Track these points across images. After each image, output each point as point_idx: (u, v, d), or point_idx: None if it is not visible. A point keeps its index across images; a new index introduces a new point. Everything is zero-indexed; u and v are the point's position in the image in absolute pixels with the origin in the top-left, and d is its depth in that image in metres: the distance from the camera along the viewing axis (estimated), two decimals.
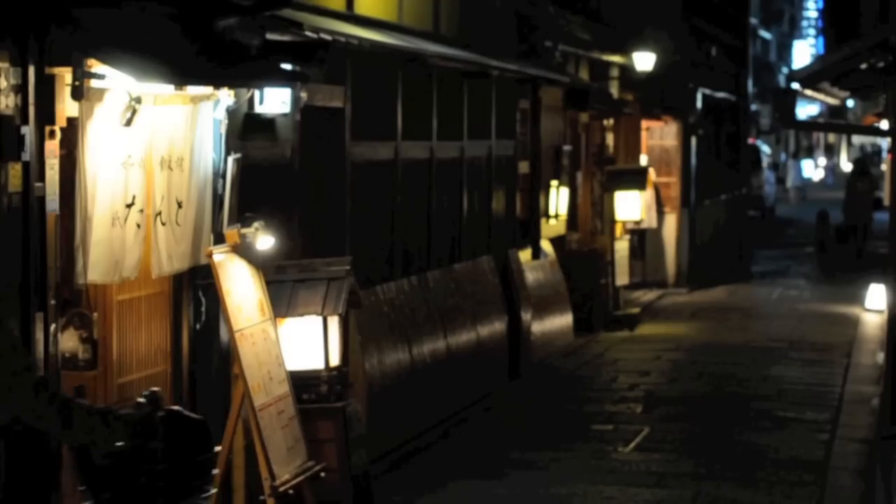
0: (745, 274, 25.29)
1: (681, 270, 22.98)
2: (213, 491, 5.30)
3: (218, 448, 5.43)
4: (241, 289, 7.79)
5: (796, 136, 64.20)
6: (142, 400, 5.33)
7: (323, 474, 7.91)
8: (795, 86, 17.25)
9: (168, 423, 5.24)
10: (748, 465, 10.71)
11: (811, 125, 42.96)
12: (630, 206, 19.47)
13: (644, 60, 20.00)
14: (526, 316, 14.67)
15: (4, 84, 6.39)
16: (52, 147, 6.69)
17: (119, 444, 5.00)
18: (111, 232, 6.95)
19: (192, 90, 7.76)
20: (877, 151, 52.12)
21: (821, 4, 67.35)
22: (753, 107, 44.44)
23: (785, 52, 72.02)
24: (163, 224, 7.50)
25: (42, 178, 6.61)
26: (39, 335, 6.61)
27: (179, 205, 7.66)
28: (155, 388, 5.59)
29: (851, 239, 28.29)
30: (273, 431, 7.61)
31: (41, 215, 6.64)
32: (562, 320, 16.30)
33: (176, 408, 5.29)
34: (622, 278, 19.46)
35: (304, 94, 9.46)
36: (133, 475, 5.22)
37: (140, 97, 6.99)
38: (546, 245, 16.37)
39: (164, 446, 5.23)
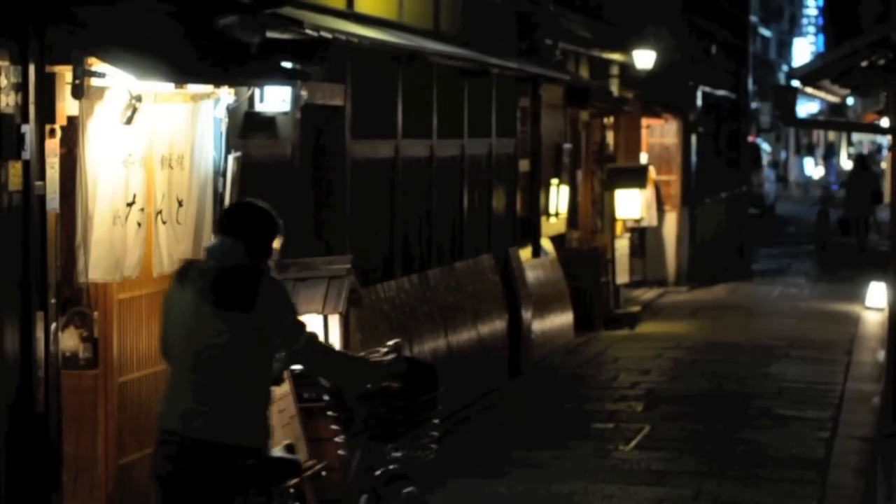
0: (745, 272, 25.29)
1: (681, 269, 22.97)
2: (437, 421, 6.43)
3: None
4: None
5: (796, 134, 64.15)
6: (385, 349, 6.33)
7: (324, 473, 7.90)
8: (796, 83, 17.22)
9: (407, 367, 6.33)
10: (749, 463, 10.70)
11: (811, 123, 42.93)
12: (630, 204, 19.46)
13: (644, 58, 19.99)
14: (526, 314, 14.67)
15: (5, 82, 6.38)
16: (53, 146, 6.68)
17: (368, 385, 6.15)
18: (112, 230, 6.94)
19: (193, 88, 7.75)
20: (877, 150, 52.10)
21: (821, 2, 67.33)
22: (753, 105, 44.36)
23: (785, 49, 71.98)
24: (163, 223, 7.49)
25: (42, 176, 6.60)
26: (40, 334, 6.60)
27: (180, 203, 7.65)
28: (397, 339, 6.69)
29: (853, 233, 28.44)
30: (274, 430, 7.60)
31: (41, 214, 6.63)
32: (562, 318, 16.30)
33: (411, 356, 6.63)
34: (622, 276, 19.46)
35: (304, 93, 9.45)
36: (377, 410, 6.24)
37: (140, 95, 6.98)
38: (546, 243, 16.36)
39: (403, 386, 6.24)
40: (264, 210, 5.86)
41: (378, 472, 6.30)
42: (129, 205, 7.09)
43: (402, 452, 6.37)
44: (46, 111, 6.61)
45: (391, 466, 6.35)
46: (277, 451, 6.01)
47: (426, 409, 6.36)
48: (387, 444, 6.32)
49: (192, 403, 5.61)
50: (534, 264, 15.52)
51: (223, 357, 5.62)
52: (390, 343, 6.45)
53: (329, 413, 6.49)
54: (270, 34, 8.51)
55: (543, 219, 16.46)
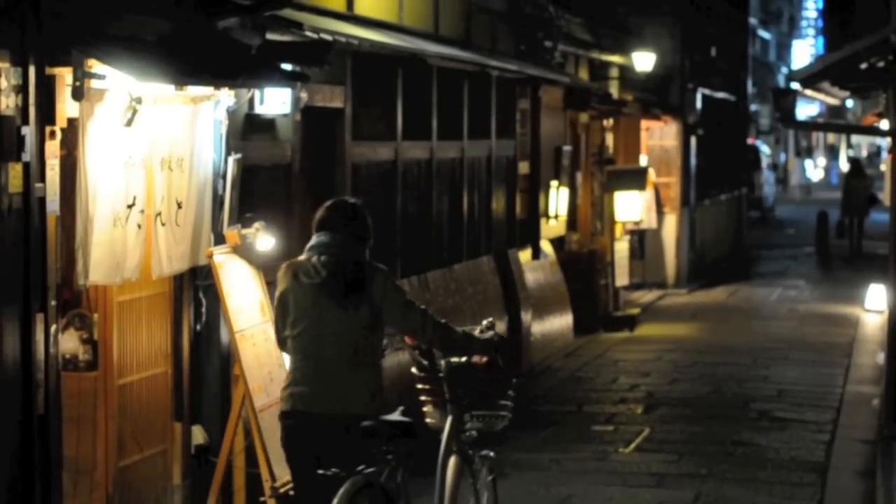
0: (744, 274, 25.29)
1: (681, 271, 22.98)
2: (512, 393, 7.03)
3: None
4: (242, 290, 7.78)
5: (796, 137, 64.15)
6: (481, 327, 6.95)
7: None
8: (795, 85, 17.23)
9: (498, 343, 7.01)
10: (749, 465, 10.70)
11: (811, 125, 42.96)
12: (630, 206, 19.46)
13: (644, 61, 20.00)
14: (526, 316, 14.66)
15: (5, 84, 6.37)
16: (53, 147, 6.68)
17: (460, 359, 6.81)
18: (112, 233, 6.94)
19: (193, 90, 7.75)
20: (876, 152, 52.14)
21: (820, 4, 67.33)
22: (753, 107, 44.39)
23: (784, 52, 71.97)
24: (162, 225, 7.48)
25: (42, 178, 6.60)
26: (40, 336, 6.60)
27: (179, 205, 7.64)
28: (490, 318, 7.22)
29: (848, 234, 28.57)
30: (274, 432, 7.58)
31: (42, 216, 6.62)
32: (562, 321, 16.29)
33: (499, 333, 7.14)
34: (622, 279, 19.46)
35: (304, 95, 9.45)
36: (465, 381, 6.83)
37: (140, 97, 6.97)
38: (546, 245, 16.36)
39: (489, 360, 6.86)
40: (361, 206, 6.54)
41: (464, 437, 6.89)
42: (130, 207, 7.09)
43: (481, 419, 6.96)
44: (47, 113, 6.61)
45: (472, 432, 6.94)
46: (395, 416, 6.48)
47: (504, 382, 6.99)
48: (471, 412, 6.91)
49: (322, 384, 6.30)
50: (533, 266, 15.52)
51: (345, 339, 6.32)
52: (485, 322, 7.05)
53: (421, 386, 6.94)
54: (270, 36, 8.52)
55: (543, 221, 16.45)
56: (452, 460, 6.78)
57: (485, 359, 6.87)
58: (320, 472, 6.13)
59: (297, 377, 6.36)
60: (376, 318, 6.40)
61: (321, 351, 6.31)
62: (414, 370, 6.97)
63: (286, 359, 7.18)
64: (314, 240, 6.41)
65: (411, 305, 6.52)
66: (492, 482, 7.14)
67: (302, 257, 6.41)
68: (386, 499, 6.33)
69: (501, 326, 13.80)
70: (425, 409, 6.95)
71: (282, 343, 6.51)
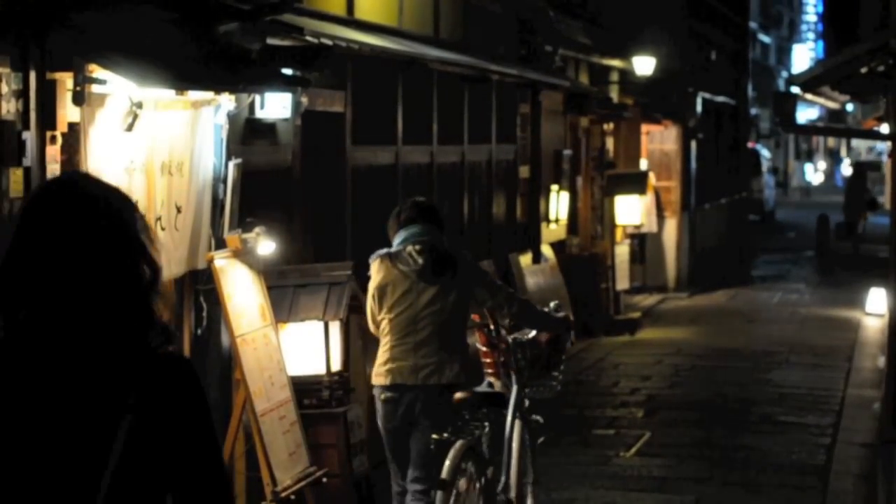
0: (745, 278, 25.30)
1: (681, 275, 22.98)
2: (563, 367, 7.97)
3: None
4: (243, 294, 7.78)
5: (796, 140, 64.20)
6: (550, 307, 7.91)
7: (325, 480, 7.91)
8: (795, 89, 17.24)
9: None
10: (750, 469, 10.70)
11: (811, 129, 43.00)
12: (630, 210, 19.47)
13: (644, 65, 20.00)
14: None
15: (5, 89, 6.38)
16: (54, 152, 6.68)
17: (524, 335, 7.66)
18: None
19: (193, 95, 7.75)
20: (877, 158, 52.23)
21: (820, 8, 67.35)
22: (753, 111, 44.39)
23: (784, 56, 72.03)
24: (162, 229, 7.49)
25: None
26: None
27: (178, 210, 7.64)
28: (558, 301, 8.30)
29: (850, 235, 28.73)
30: (275, 437, 7.61)
31: None
32: None
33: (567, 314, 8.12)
34: (622, 283, 19.46)
35: (304, 99, 9.45)
36: (528, 355, 7.67)
37: (141, 102, 6.97)
38: (546, 249, 16.36)
39: (550, 337, 7.77)
40: (433, 202, 7.83)
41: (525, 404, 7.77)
42: None
43: (536, 388, 7.82)
44: (47, 118, 6.61)
45: (527, 400, 7.79)
46: (483, 387, 7.45)
47: (558, 357, 7.89)
48: (532, 381, 7.76)
49: (417, 358, 7.19)
50: (534, 270, 15.52)
51: (439, 317, 7.23)
52: (552, 304, 8.08)
53: (487, 360, 7.68)
54: (271, 41, 8.52)
55: (543, 225, 16.46)
56: (517, 424, 7.63)
57: (546, 336, 7.73)
58: (434, 436, 6.97)
59: (395, 354, 7.19)
60: (464, 299, 7.30)
61: (418, 329, 7.19)
62: (479, 345, 7.68)
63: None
64: (405, 233, 7.34)
65: (497, 285, 7.52)
66: (538, 444, 8.02)
67: (394, 249, 7.34)
68: (481, 461, 7.16)
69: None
70: (489, 379, 7.66)
71: (376, 326, 7.35)
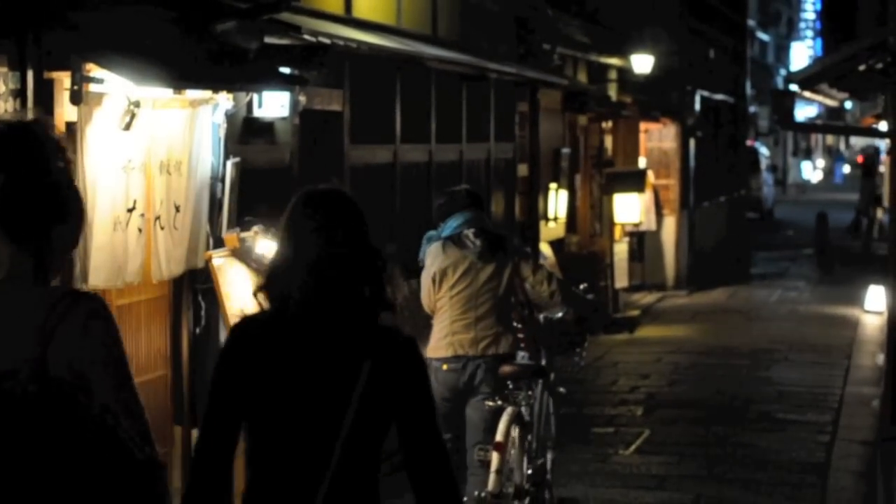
0: (744, 276, 25.29)
1: (680, 273, 22.98)
2: (587, 344, 9.01)
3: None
4: (241, 293, 7.77)
5: (795, 138, 64.20)
6: (581, 289, 8.89)
7: None
8: (794, 87, 17.23)
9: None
10: (749, 467, 10.70)
11: (809, 127, 43.00)
12: (629, 208, 19.47)
13: (642, 63, 20.00)
14: None
15: (3, 88, 6.37)
16: None
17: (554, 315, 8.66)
18: (113, 237, 6.94)
19: (191, 94, 7.75)
20: (871, 154, 52.25)
21: (819, 6, 67.37)
22: (752, 109, 44.39)
23: (783, 53, 72.01)
24: (161, 228, 7.48)
25: None
26: None
27: (177, 209, 7.64)
28: (585, 283, 9.35)
29: (860, 230, 28.81)
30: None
31: None
32: None
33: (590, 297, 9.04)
34: (621, 281, 19.46)
35: (302, 98, 9.44)
36: (557, 331, 8.69)
37: (139, 101, 6.97)
38: (545, 248, 16.36)
39: (578, 316, 8.70)
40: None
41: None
42: (130, 211, 7.08)
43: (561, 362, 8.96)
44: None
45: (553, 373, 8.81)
46: (524, 360, 8.30)
47: (583, 335, 8.84)
48: (560, 355, 8.81)
49: (478, 331, 7.93)
50: None
51: (496, 293, 7.98)
52: (583, 286, 9.19)
53: (521, 336, 8.33)
54: (269, 40, 8.51)
55: (542, 223, 16.46)
56: (547, 393, 8.70)
57: (573, 315, 8.64)
58: (489, 403, 7.77)
59: (456, 328, 7.95)
60: (513, 276, 8.06)
61: (478, 305, 7.93)
62: (514, 323, 8.25)
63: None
64: (461, 218, 8.00)
65: (539, 264, 8.46)
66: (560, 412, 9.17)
67: (450, 233, 8.01)
68: (525, 426, 8.00)
69: None
70: (521, 353, 8.34)
71: (432, 305, 8.09)
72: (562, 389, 9.10)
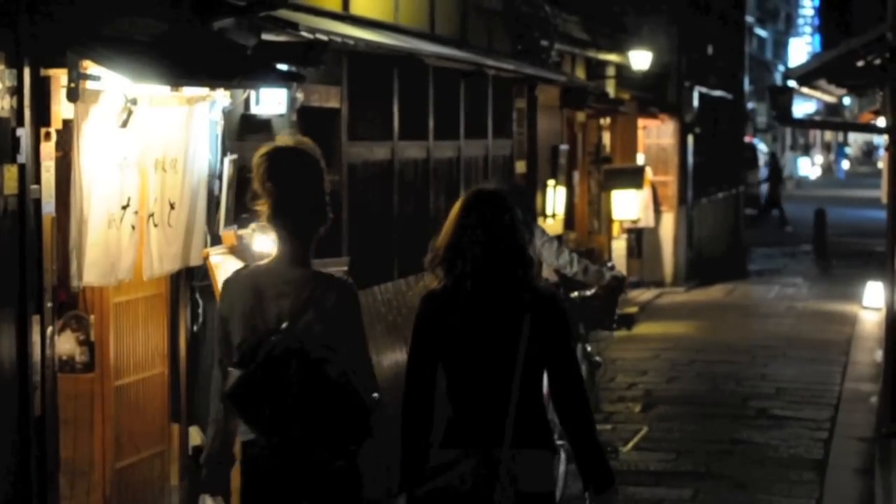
0: (742, 272, 25.29)
1: (678, 269, 22.97)
2: (616, 317, 10.24)
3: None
4: None
5: (793, 134, 64.22)
6: (607, 266, 10.06)
7: None
8: (792, 83, 17.23)
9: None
10: (747, 463, 10.70)
11: (808, 123, 42.99)
12: (627, 205, 19.47)
13: (640, 59, 19.99)
14: None
15: (0, 86, 6.36)
16: (48, 149, 6.67)
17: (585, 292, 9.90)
18: (107, 234, 6.93)
19: (188, 91, 7.74)
20: (867, 151, 52.25)
21: (817, 2, 67.34)
22: (750, 105, 44.41)
23: (781, 49, 72.03)
24: (155, 226, 7.47)
25: (38, 180, 6.58)
26: (36, 338, 6.59)
27: (172, 206, 7.63)
28: (612, 261, 10.61)
29: None
30: None
31: (37, 218, 6.61)
32: None
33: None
34: None
35: (300, 95, 9.44)
36: (588, 305, 9.86)
37: (136, 98, 6.95)
38: None
39: (604, 291, 9.81)
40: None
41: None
42: (124, 208, 7.08)
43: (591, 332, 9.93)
44: (42, 115, 6.60)
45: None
46: None
47: (611, 310, 9.85)
48: (592, 327, 9.84)
49: None
50: None
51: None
52: (609, 263, 10.34)
53: None
54: (266, 36, 8.51)
55: (540, 220, 16.45)
56: (584, 364, 9.50)
57: (602, 290, 9.69)
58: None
59: None
60: (538, 256, 9.04)
61: None
62: None
63: None
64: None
65: (564, 248, 9.50)
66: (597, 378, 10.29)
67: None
68: None
69: None
70: None
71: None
72: (598, 359, 10.14)
